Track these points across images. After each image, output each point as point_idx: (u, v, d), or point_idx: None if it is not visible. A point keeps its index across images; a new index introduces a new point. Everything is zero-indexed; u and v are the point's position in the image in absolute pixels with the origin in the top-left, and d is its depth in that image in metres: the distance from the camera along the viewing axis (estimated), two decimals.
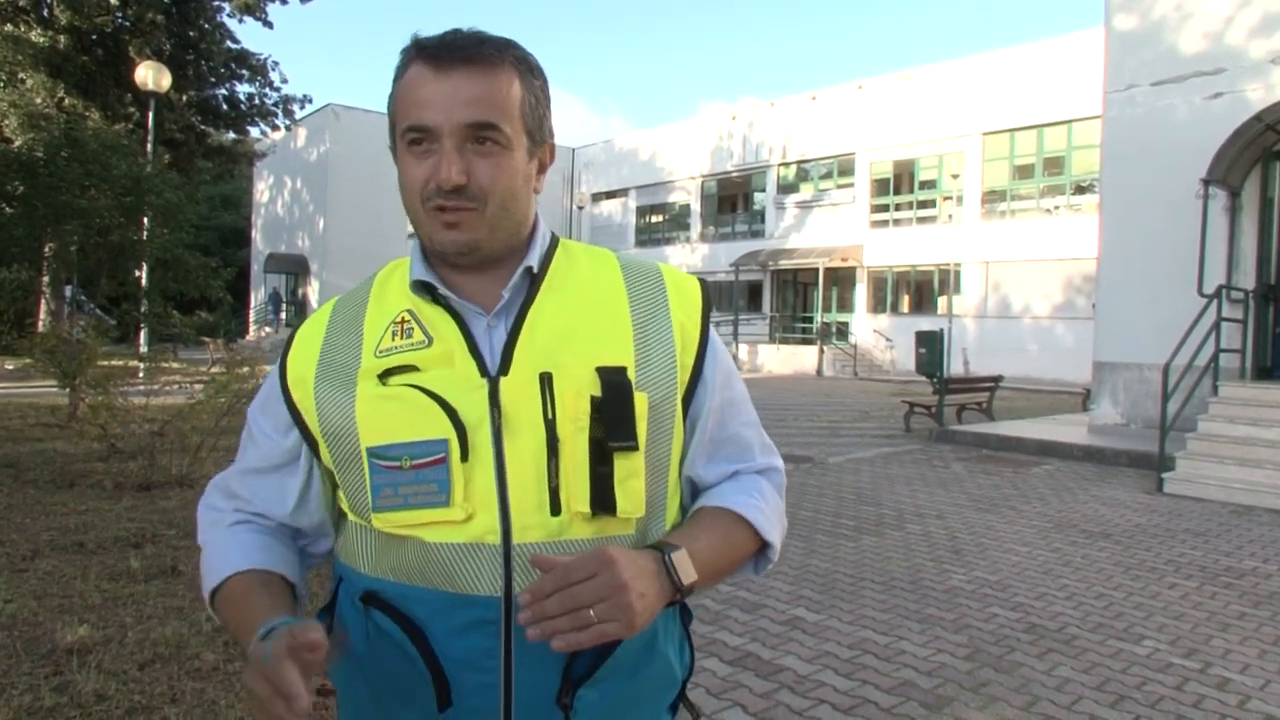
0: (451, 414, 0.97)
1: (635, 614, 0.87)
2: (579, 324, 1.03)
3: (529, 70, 1.03)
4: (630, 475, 0.99)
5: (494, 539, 0.96)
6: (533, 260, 1.05)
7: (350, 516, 1.07)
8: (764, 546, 1.09)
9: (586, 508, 0.97)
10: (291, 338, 1.12)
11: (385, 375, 1.00)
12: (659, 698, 1.08)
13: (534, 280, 1.05)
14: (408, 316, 1.04)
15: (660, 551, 0.94)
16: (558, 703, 0.98)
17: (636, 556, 0.91)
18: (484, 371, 0.99)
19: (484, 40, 0.99)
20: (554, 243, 1.11)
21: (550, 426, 0.97)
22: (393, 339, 1.03)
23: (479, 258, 1.03)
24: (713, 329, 1.11)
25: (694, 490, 1.12)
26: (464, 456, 0.96)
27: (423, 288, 1.04)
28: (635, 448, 0.98)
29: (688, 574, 0.94)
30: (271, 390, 1.11)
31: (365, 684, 1.04)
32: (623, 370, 1.00)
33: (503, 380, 0.98)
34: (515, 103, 1.00)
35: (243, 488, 1.12)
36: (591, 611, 0.84)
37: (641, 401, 1.00)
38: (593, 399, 0.98)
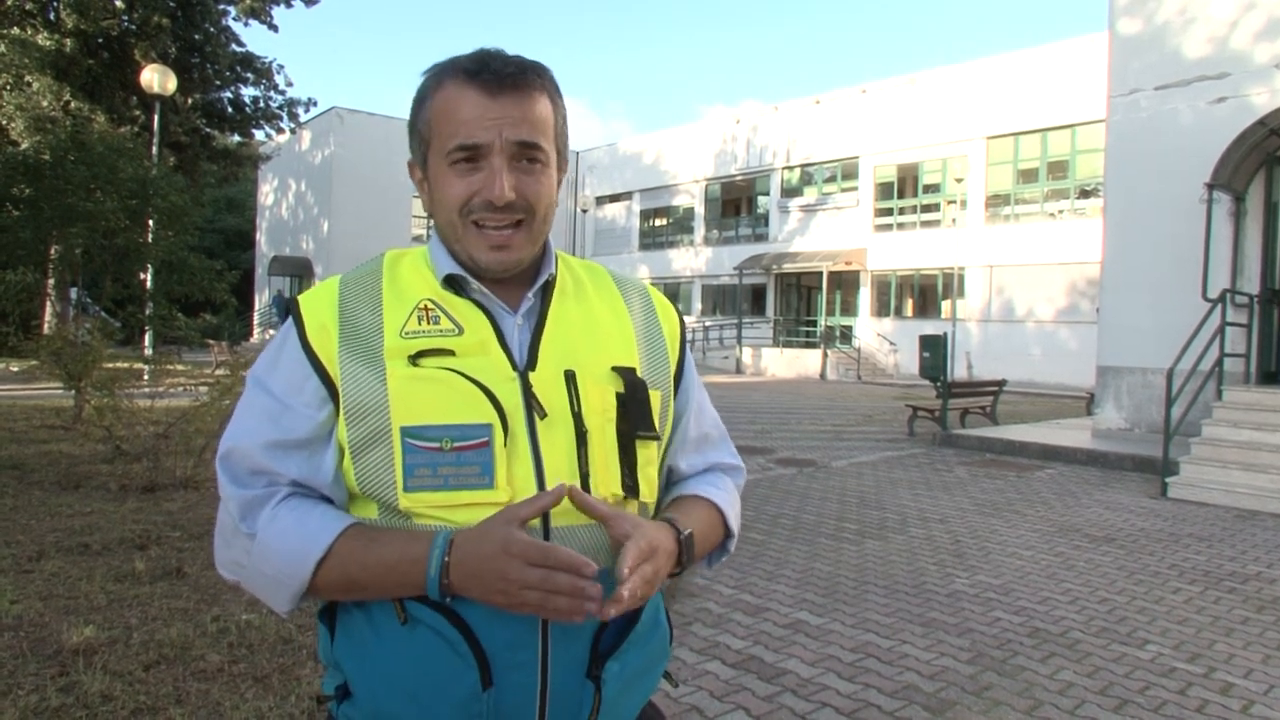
0: (494, 400, 1.01)
1: (650, 594, 1.00)
2: (592, 328, 1.13)
3: (557, 94, 1.11)
4: (648, 463, 1.10)
5: (535, 521, 1.00)
6: (551, 269, 1.13)
7: (359, 502, 1.05)
8: (725, 540, 1.23)
9: (620, 491, 1.05)
10: (298, 310, 1.08)
11: (417, 357, 1.03)
12: (659, 665, 1.18)
13: (547, 288, 1.13)
14: (431, 304, 1.07)
15: (678, 532, 1.06)
16: (588, 675, 1.04)
17: (662, 537, 1.02)
18: (514, 365, 1.05)
19: (524, 66, 1.06)
20: (554, 253, 1.18)
21: (578, 419, 1.04)
22: (419, 323, 1.06)
23: (515, 271, 1.10)
24: (686, 341, 1.27)
25: (669, 479, 1.24)
26: (505, 442, 1.01)
27: (451, 282, 1.09)
28: (658, 437, 1.11)
29: (691, 557, 1.08)
30: (293, 366, 1.05)
31: (394, 678, 1.02)
32: (634, 370, 1.11)
33: (532, 375, 1.05)
34: (551, 124, 1.08)
35: (273, 462, 1.03)
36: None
37: (656, 397, 1.12)
38: (617, 395, 1.08)
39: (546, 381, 1.05)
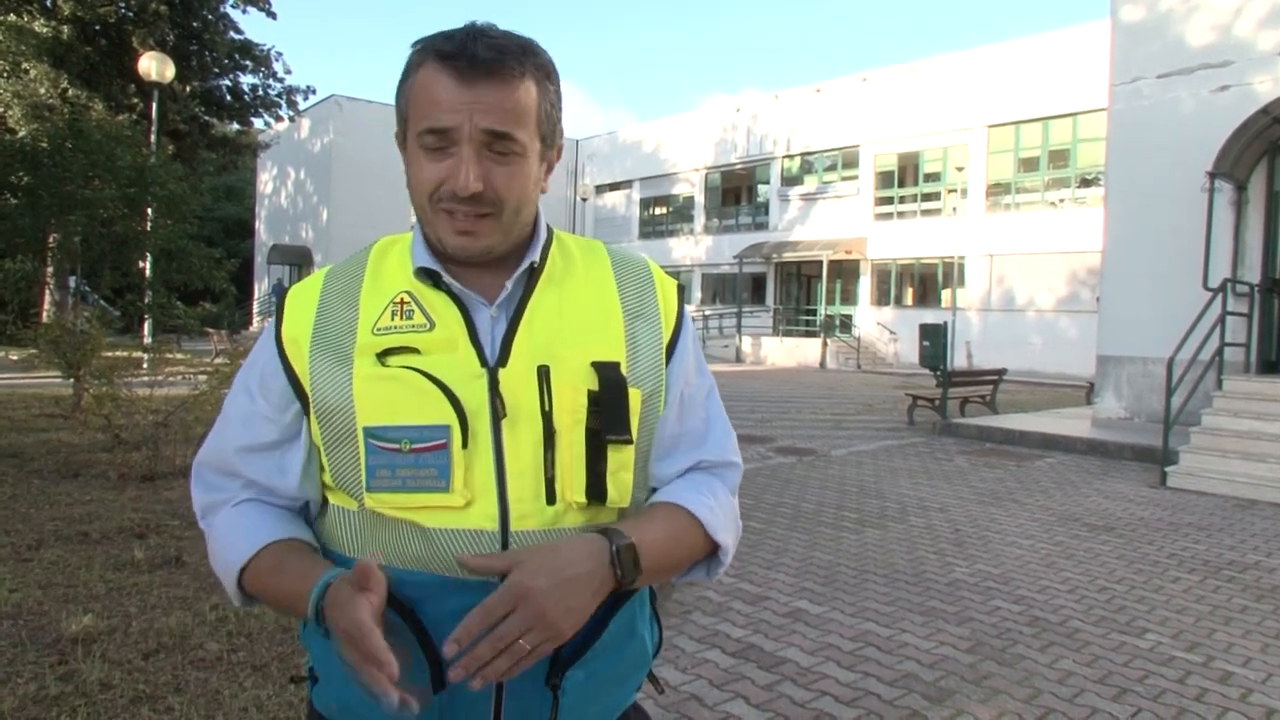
0: (454, 401, 0.98)
1: (564, 630, 0.90)
2: (575, 319, 1.06)
3: (546, 76, 1.03)
4: (621, 467, 1.03)
5: (492, 526, 0.98)
6: (535, 256, 1.07)
7: (334, 498, 1.07)
8: (715, 549, 1.09)
9: (583, 497, 1.00)
10: (282, 306, 1.10)
11: (384, 355, 1.01)
12: (635, 675, 1.12)
13: (533, 274, 1.07)
14: (407, 298, 1.04)
15: (609, 541, 0.95)
16: (547, 683, 1.01)
17: (569, 562, 0.92)
18: (483, 361, 1.01)
19: (505, 51, 0.99)
20: (550, 237, 1.13)
21: (547, 419, 1.00)
22: (392, 318, 1.03)
23: (489, 260, 1.05)
24: (688, 325, 1.15)
25: (655, 484, 1.14)
26: (464, 444, 0.98)
27: (426, 274, 1.05)
28: (630, 441, 1.03)
29: (632, 573, 0.95)
30: (267, 363, 1.08)
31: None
32: (617, 366, 1.04)
33: (501, 371, 1.01)
34: (532, 111, 1.01)
35: (242, 465, 1.08)
36: (522, 641, 0.88)
37: (635, 397, 1.04)
38: (590, 393, 1.01)
39: (517, 378, 1.00)
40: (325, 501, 1.09)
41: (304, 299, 1.09)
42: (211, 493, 1.10)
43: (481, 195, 0.98)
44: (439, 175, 0.99)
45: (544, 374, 1.00)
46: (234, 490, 1.09)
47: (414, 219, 1.08)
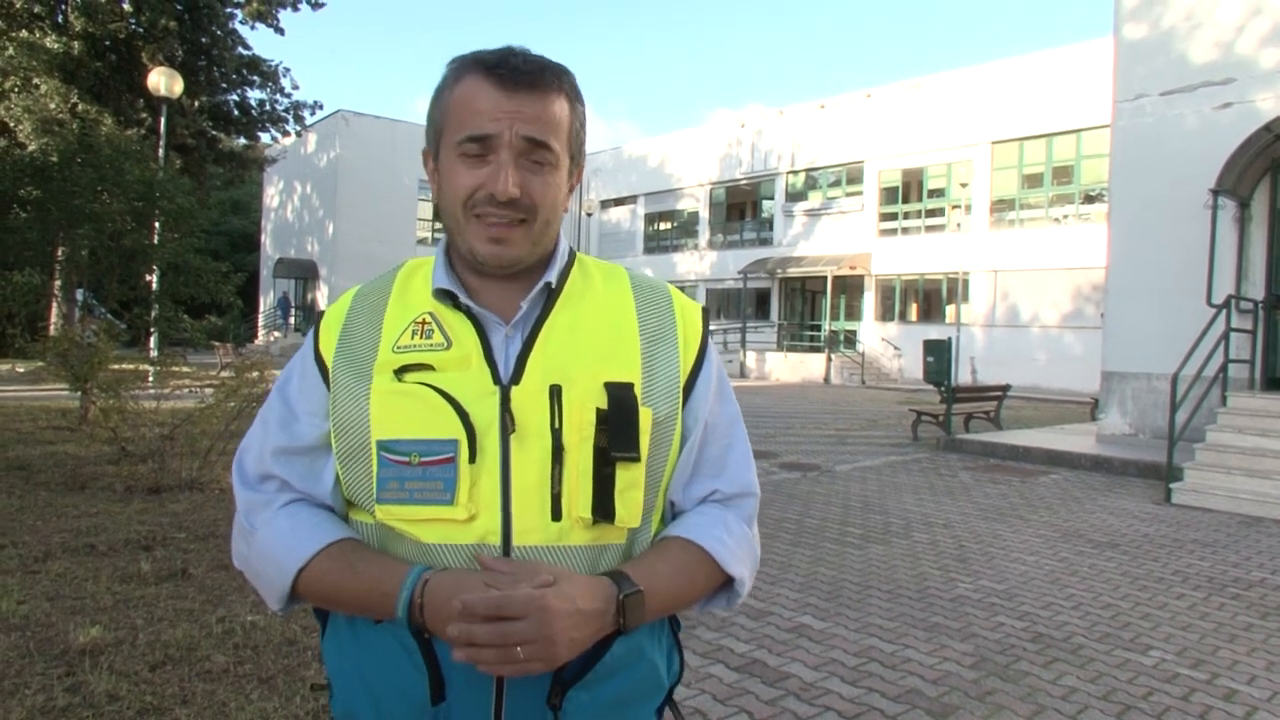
0: (463, 416, 1.00)
1: (559, 656, 0.92)
2: (590, 339, 1.07)
3: (576, 97, 1.09)
4: (630, 486, 1.03)
5: (494, 540, 1.00)
6: (552, 275, 1.09)
7: (353, 513, 1.09)
8: (730, 580, 1.11)
9: (588, 513, 1.01)
10: (317, 322, 1.14)
11: (401, 371, 1.04)
12: (645, 701, 1.11)
13: (550, 294, 1.09)
14: (429, 318, 1.07)
15: (618, 588, 0.98)
16: (547, 703, 1.01)
17: (585, 596, 0.95)
18: (496, 379, 1.03)
19: (545, 66, 1.05)
20: (571, 258, 1.15)
21: (556, 436, 1.01)
22: (412, 337, 1.06)
23: (515, 270, 1.08)
24: (712, 352, 1.16)
25: (672, 508, 1.14)
26: (472, 458, 1.00)
27: (445, 295, 1.08)
28: (637, 459, 1.03)
29: (636, 617, 0.99)
30: (308, 373, 1.11)
31: (361, 678, 1.05)
32: (630, 386, 1.05)
33: (514, 389, 1.02)
34: (565, 126, 1.06)
35: (280, 468, 1.09)
36: (518, 649, 0.89)
37: (646, 416, 1.04)
38: (598, 411, 1.02)
39: (529, 396, 1.02)
40: (347, 518, 1.11)
41: (334, 316, 1.13)
42: (253, 491, 1.10)
43: (518, 201, 1.02)
44: (476, 181, 1.02)
45: (556, 393, 1.02)
46: (272, 492, 1.09)
47: (421, 235, 1.11)
